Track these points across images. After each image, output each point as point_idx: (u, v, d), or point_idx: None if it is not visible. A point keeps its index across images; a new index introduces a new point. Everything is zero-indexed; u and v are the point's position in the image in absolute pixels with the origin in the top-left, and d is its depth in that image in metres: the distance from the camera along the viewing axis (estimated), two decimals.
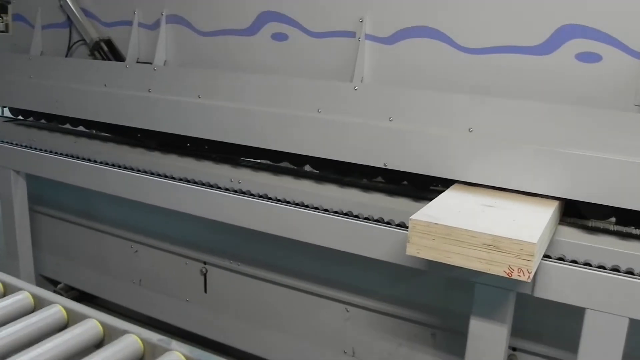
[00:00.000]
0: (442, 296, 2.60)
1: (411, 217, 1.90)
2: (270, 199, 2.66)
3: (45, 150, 3.30)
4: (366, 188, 2.62)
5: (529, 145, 2.15)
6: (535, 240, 1.73)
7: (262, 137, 2.70)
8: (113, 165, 3.10)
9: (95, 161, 3.14)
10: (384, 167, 2.46)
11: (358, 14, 2.56)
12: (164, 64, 3.07)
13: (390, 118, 2.43)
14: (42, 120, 3.65)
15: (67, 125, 3.55)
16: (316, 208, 2.53)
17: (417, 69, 2.49)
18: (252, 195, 2.70)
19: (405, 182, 2.55)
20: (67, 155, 3.26)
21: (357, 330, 2.82)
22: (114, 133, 3.38)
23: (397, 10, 2.49)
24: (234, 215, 2.73)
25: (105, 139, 3.41)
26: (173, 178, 2.91)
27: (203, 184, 2.84)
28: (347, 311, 2.82)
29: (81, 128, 3.60)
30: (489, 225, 1.84)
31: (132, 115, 3.07)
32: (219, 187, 2.80)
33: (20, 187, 3.34)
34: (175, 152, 3.13)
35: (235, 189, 2.76)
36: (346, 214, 2.48)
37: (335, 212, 2.50)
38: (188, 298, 3.27)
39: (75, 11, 3.27)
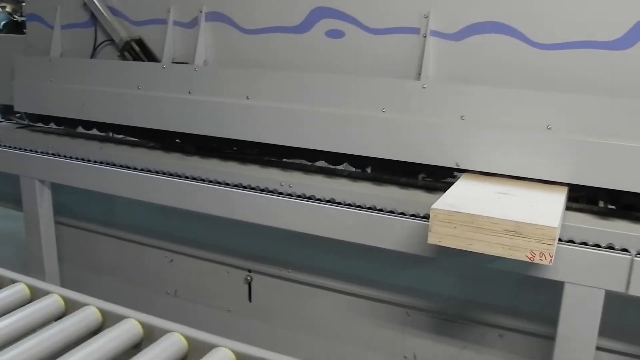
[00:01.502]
0: (510, 296, 2.55)
1: (432, 206, 1.92)
2: (324, 201, 2.54)
3: (71, 157, 3.09)
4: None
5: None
6: (556, 225, 1.79)
7: (320, 139, 2.60)
8: (149, 171, 2.92)
9: (130, 167, 2.95)
10: (456, 167, 2.40)
11: (423, 9, 2.48)
12: (204, 64, 2.93)
13: (462, 116, 2.37)
14: (64, 126, 3.44)
15: (94, 131, 3.36)
16: (370, 208, 2.45)
17: (486, 66, 2.42)
18: (305, 198, 2.59)
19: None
20: (95, 162, 3.06)
21: (418, 334, 2.74)
22: (146, 138, 3.21)
23: (465, 6, 2.42)
24: (286, 219, 2.62)
25: (134, 144, 3.24)
26: (217, 183, 2.77)
27: (250, 188, 2.71)
28: (408, 315, 2.74)
29: (95, 134, 3.43)
30: (509, 211, 1.89)
31: (170, 118, 2.91)
32: (269, 191, 2.67)
33: (45, 197, 3.13)
34: (216, 156, 2.99)
35: (286, 192, 2.64)
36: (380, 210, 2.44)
37: (380, 209, 2.43)
38: (230, 308, 3.13)
39: (102, 10, 3.08)
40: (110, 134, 3.63)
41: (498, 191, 2.15)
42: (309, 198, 2.57)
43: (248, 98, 2.73)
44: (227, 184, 2.75)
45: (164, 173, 2.90)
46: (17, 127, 3.59)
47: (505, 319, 2.56)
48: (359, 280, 2.79)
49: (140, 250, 3.33)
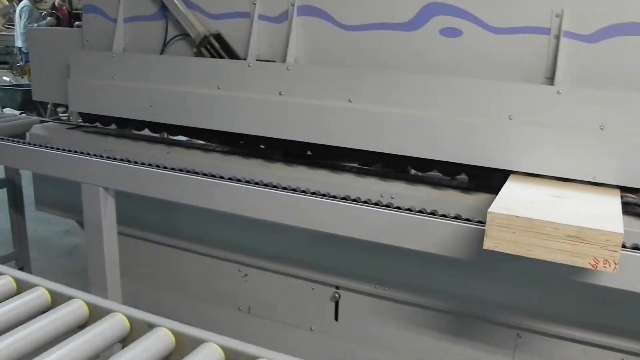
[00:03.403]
0: (634, 317, 2.36)
1: (489, 210, 1.82)
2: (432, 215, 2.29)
3: (143, 164, 2.74)
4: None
5: None
6: (621, 230, 1.70)
7: (434, 147, 2.39)
8: (227, 179, 2.58)
9: (216, 176, 2.61)
10: (592, 181, 2.20)
11: (555, 7, 2.27)
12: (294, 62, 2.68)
13: (601, 126, 2.17)
14: (127, 128, 3.15)
15: (163, 134, 3.08)
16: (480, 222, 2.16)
17: (626, 71, 2.23)
18: (410, 211, 2.35)
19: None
20: (165, 168, 2.73)
21: (530, 358, 2.55)
22: (222, 142, 2.95)
23: (603, 5, 2.22)
24: (388, 234, 2.38)
25: (206, 149, 2.97)
26: (311, 193, 2.48)
27: (345, 199, 2.44)
28: (520, 337, 2.54)
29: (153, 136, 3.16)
30: (570, 216, 1.79)
31: (256, 121, 2.66)
32: (368, 203, 2.42)
33: (109, 207, 2.82)
34: (302, 163, 2.75)
35: (387, 204, 2.40)
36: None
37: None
38: (313, 327, 2.90)
39: (176, 2, 2.80)
40: (165, 135, 3.37)
41: (550, 194, 2.07)
42: (420, 211, 2.33)
43: (350, 101, 2.49)
44: (309, 193, 2.45)
45: (247, 182, 2.61)
46: (68, 128, 3.29)
47: (628, 343, 2.38)
48: (464, 299, 2.58)
49: (210, 263, 3.06)
